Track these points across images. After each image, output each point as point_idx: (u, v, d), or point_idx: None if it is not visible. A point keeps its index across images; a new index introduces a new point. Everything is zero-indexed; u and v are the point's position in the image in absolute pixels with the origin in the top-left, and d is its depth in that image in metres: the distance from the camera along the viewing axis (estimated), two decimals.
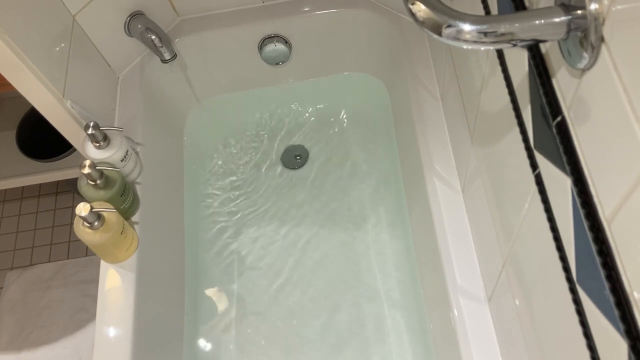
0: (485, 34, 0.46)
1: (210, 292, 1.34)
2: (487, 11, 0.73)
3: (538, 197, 0.62)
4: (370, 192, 1.41)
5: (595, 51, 0.45)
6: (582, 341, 0.55)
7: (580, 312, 0.55)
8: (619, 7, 0.41)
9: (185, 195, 1.37)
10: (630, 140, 0.42)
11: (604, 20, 0.43)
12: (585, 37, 0.46)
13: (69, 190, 1.81)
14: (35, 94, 0.99)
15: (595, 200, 0.49)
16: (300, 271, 1.34)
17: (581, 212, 0.51)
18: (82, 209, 0.91)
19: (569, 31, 0.46)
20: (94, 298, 1.49)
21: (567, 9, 0.46)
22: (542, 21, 0.46)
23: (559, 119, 0.54)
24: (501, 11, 0.68)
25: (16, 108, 1.58)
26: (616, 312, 0.46)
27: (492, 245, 0.86)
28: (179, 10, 1.33)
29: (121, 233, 0.99)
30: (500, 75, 0.70)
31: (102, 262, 1.06)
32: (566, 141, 0.53)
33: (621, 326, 0.45)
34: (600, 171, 0.47)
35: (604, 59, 0.44)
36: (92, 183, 0.99)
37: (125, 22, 1.20)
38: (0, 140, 1.56)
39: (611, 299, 0.47)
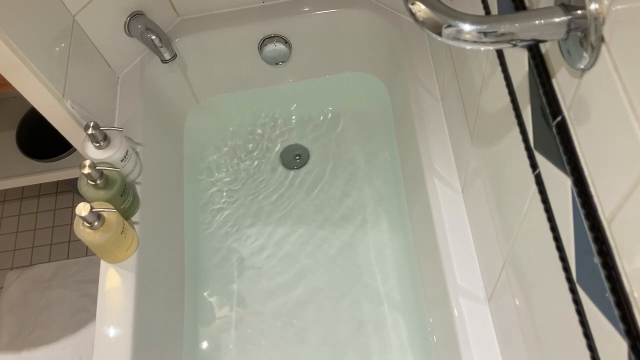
0: (485, 34, 0.46)
1: (210, 292, 1.34)
2: (487, 11, 0.73)
3: (538, 197, 0.62)
4: (370, 192, 1.41)
5: (595, 51, 0.45)
6: (582, 341, 0.55)
7: (580, 312, 0.55)
8: (619, 7, 0.41)
9: (185, 195, 1.37)
10: (630, 140, 0.42)
11: (604, 20, 0.43)
12: (585, 37, 0.45)
13: (69, 190, 1.81)
14: (35, 94, 0.99)
15: (595, 200, 0.49)
16: (300, 271, 1.34)
17: (581, 212, 0.51)
18: (82, 209, 0.91)
19: (569, 31, 0.46)
20: (94, 298, 1.49)
21: (567, 9, 0.46)
22: (542, 21, 0.46)
23: (559, 119, 0.54)
24: (501, 11, 0.68)
25: (16, 108, 1.58)
26: (616, 312, 0.46)
27: (492, 245, 0.86)
28: (179, 10, 1.33)
29: (121, 233, 0.99)
30: (500, 75, 0.70)
31: (102, 262, 1.06)
32: (566, 141, 0.53)
33: (621, 326, 0.45)
34: (600, 171, 0.47)
35: (604, 59, 0.44)
36: (92, 183, 0.99)
37: (125, 22, 1.20)
38: (0, 140, 1.56)
39: (611, 299, 0.47)
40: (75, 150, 1.44)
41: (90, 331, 1.49)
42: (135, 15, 1.20)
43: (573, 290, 0.56)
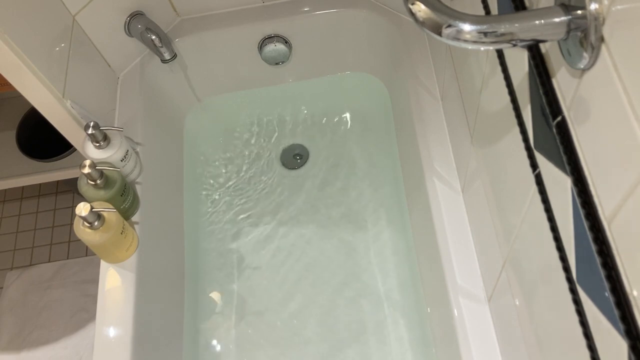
0: (485, 34, 0.46)
1: (210, 292, 1.34)
2: (487, 11, 0.73)
3: (538, 197, 0.62)
4: (370, 192, 1.41)
5: (595, 51, 0.45)
6: (582, 341, 0.55)
7: (580, 312, 0.55)
8: (619, 7, 0.41)
9: (185, 195, 1.37)
10: (630, 140, 0.42)
11: (604, 20, 0.43)
12: (585, 37, 0.45)
13: (69, 190, 1.81)
14: (35, 94, 0.99)
15: (595, 200, 0.49)
16: (300, 271, 1.34)
17: (581, 212, 0.51)
18: (82, 209, 0.91)
19: (569, 31, 0.46)
20: (94, 298, 1.49)
21: (567, 9, 0.46)
22: (542, 21, 0.46)
23: (559, 119, 0.54)
24: (501, 11, 0.68)
25: (16, 108, 1.58)
26: (616, 312, 0.46)
27: (492, 245, 0.86)
28: (179, 10, 1.33)
29: (121, 233, 0.99)
30: (500, 75, 0.70)
31: (102, 262, 1.06)
32: (566, 141, 0.53)
33: (621, 326, 0.45)
34: (600, 171, 0.47)
35: (604, 59, 0.44)
36: (92, 183, 0.99)
37: (125, 22, 1.20)
38: (0, 140, 1.56)
39: (611, 299, 0.47)
40: (75, 150, 1.44)
41: (90, 331, 1.49)
42: (135, 15, 1.20)
43: (573, 290, 0.56)
